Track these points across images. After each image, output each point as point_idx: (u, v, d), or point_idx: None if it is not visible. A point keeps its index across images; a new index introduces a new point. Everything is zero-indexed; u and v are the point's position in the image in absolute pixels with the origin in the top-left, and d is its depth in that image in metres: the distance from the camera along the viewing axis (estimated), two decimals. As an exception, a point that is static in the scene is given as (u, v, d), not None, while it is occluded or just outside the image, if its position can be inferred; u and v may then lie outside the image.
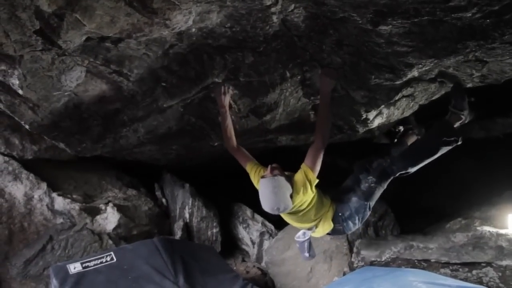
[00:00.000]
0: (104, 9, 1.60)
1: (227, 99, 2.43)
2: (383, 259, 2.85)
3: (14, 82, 1.80)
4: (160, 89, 2.36)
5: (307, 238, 2.32)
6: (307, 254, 2.36)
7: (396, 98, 2.59)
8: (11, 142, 3.17)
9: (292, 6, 1.84)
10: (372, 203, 2.44)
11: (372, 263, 2.88)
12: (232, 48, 2.13)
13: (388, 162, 2.47)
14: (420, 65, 2.05)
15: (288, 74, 2.41)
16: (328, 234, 2.44)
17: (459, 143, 2.35)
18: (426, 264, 2.67)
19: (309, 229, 2.35)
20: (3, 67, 1.74)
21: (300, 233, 2.34)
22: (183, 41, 1.99)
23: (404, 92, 2.57)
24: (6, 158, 3.18)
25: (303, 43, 2.18)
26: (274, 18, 1.93)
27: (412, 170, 2.41)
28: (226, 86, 2.38)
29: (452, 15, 1.54)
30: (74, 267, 2.54)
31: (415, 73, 2.19)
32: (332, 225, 2.34)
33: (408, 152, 2.56)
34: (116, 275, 2.62)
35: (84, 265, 2.58)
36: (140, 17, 1.69)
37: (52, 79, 1.91)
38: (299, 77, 2.47)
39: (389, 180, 2.48)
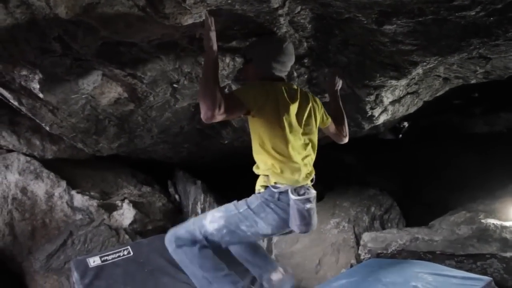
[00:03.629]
0: (118, 15, 1.62)
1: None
2: (389, 251, 2.84)
3: (35, 86, 1.83)
4: (172, 91, 2.38)
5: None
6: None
7: (401, 95, 2.57)
8: (32, 143, 3.23)
9: (299, 8, 1.84)
10: None
11: (378, 255, 2.87)
12: (241, 49, 2.14)
13: None
14: (425, 63, 2.03)
15: (295, 74, 2.40)
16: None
17: None
18: (431, 256, 2.65)
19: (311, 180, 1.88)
20: (24, 72, 1.76)
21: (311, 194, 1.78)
22: (194, 44, 2.00)
23: (409, 89, 2.56)
24: (28, 158, 3.24)
25: (309, 43, 2.18)
26: (282, 19, 1.92)
27: None
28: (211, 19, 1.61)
29: (456, 14, 1.52)
30: (94, 261, 2.58)
31: (419, 70, 2.18)
32: None
33: None
34: (133, 268, 2.66)
35: (103, 258, 2.62)
36: (153, 22, 1.70)
37: (70, 83, 1.94)
38: (305, 76, 2.46)
39: None
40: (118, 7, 1.56)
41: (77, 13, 1.52)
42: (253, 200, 1.79)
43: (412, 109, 3.02)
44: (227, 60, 2.23)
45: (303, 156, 1.80)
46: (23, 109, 2.07)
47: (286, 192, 1.72)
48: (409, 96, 2.72)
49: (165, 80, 2.23)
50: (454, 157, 4.75)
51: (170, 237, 1.85)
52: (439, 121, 5.59)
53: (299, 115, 1.77)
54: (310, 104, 1.85)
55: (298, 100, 1.78)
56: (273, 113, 1.67)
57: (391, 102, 2.68)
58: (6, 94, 1.95)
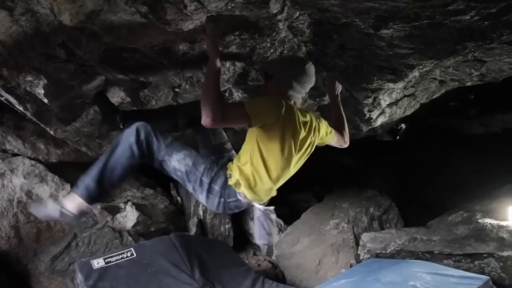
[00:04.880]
0: (121, 22, 1.62)
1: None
2: (388, 251, 2.83)
3: (40, 91, 1.84)
4: (174, 95, 2.38)
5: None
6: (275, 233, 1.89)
7: (398, 97, 2.57)
8: (37, 147, 3.23)
9: (297, 13, 1.85)
10: None
11: (377, 255, 2.87)
12: (241, 54, 2.15)
13: None
14: (421, 66, 2.03)
15: (294, 78, 2.41)
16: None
17: None
18: (429, 256, 2.65)
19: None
20: (29, 78, 1.77)
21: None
22: (195, 49, 2.01)
23: (406, 92, 2.56)
24: (33, 162, 3.24)
25: (308, 47, 2.18)
26: (280, 25, 1.93)
27: None
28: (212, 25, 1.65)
29: (451, 18, 1.53)
30: (98, 263, 2.58)
31: (416, 73, 2.18)
32: None
33: None
34: (136, 270, 2.65)
35: (106, 260, 2.62)
36: (155, 28, 1.71)
37: (74, 88, 1.94)
38: (304, 80, 2.47)
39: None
40: (121, 14, 1.57)
41: (81, 20, 1.53)
42: (217, 183, 1.73)
43: (409, 111, 3.02)
44: (228, 64, 2.23)
45: (282, 180, 1.80)
46: (28, 114, 2.08)
47: (240, 200, 1.74)
48: (406, 98, 2.73)
49: (167, 85, 2.24)
50: (451, 158, 4.75)
51: (139, 129, 1.68)
52: (436, 122, 5.60)
53: (301, 144, 1.75)
54: (315, 134, 1.84)
55: (307, 130, 1.76)
56: (280, 136, 1.63)
57: (389, 105, 2.68)
58: (12, 99, 1.95)
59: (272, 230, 1.85)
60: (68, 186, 3.29)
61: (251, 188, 1.70)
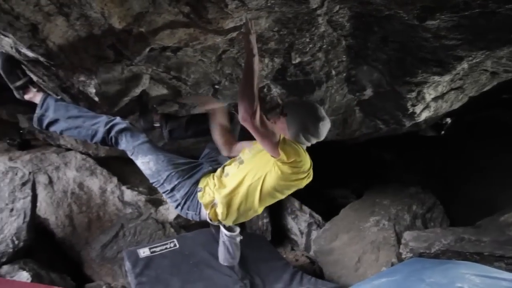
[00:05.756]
0: (165, 22, 1.69)
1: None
2: (432, 251, 2.72)
3: (91, 91, 1.96)
4: (214, 91, 2.44)
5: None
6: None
7: (444, 91, 2.45)
8: (87, 142, 3.45)
9: (337, 7, 1.82)
10: None
11: (421, 255, 2.77)
12: (279, 50, 2.15)
13: None
14: (470, 58, 1.92)
15: (333, 72, 2.37)
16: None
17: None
18: (478, 257, 2.51)
19: None
20: (82, 78, 1.90)
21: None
22: (234, 46, 2.04)
23: (453, 85, 2.43)
24: (84, 156, 3.48)
25: (348, 41, 2.14)
26: (320, 19, 1.91)
27: None
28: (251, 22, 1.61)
29: (506, 6, 1.43)
30: (144, 252, 2.73)
31: (464, 65, 2.07)
32: None
33: None
34: (179, 260, 2.77)
35: (151, 250, 2.76)
36: (196, 27, 1.76)
37: (122, 86, 2.05)
38: (344, 74, 2.43)
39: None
40: (165, 14, 1.63)
41: (129, 22, 1.61)
42: (179, 192, 1.81)
43: (456, 105, 2.86)
44: (266, 61, 2.25)
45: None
46: (81, 111, 2.23)
47: (199, 216, 1.83)
48: (453, 92, 2.58)
49: (207, 82, 2.29)
50: (502, 155, 4.43)
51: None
52: (486, 116, 5.24)
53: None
54: None
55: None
56: (291, 181, 1.68)
57: (434, 99, 2.56)
58: (67, 98, 2.10)
59: (236, 253, 1.95)
60: (115, 179, 3.49)
61: (231, 217, 1.77)
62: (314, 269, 3.57)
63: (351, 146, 4.16)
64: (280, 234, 4.05)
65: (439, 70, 2.11)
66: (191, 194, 1.81)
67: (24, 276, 2.53)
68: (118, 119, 1.86)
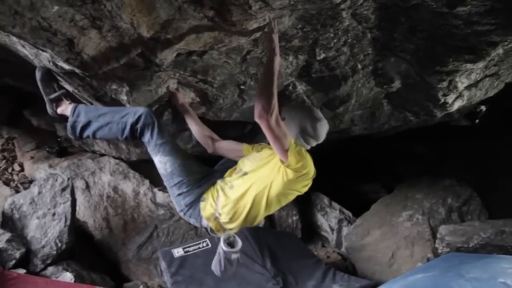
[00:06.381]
0: (190, 27, 1.73)
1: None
2: (470, 245, 2.64)
3: (123, 98, 2.04)
4: (240, 92, 2.47)
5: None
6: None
7: (478, 78, 2.36)
8: (119, 147, 3.60)
9: (361, 0, 1.79)
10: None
11: (458, 249, 2.68)
12: (303, 47, 2.15)
13: None
14: (506, 42, 1.84)
15: (359, 66, 2.34)
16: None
17: None
18: (521, 251, 2.41)
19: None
20: (114, 86, 1.98)
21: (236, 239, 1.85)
22: (259, 46, 2.06)
23: (487, 72, 2.34)
24: (117, 161, 3.62)
25: (373, 33, 2.11)
26: (344, 13, 1.89)
27: None
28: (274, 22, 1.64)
29: (543, -14, 1.36)
30: (178, 252, 2.81)
31: (499, 51, 1.98)
32: None
33: None
34: (212, 259, 2.83)
35: (185, 250, 2.84)
36: (221, 30, 1.79)
37: (151, 92, 2.12)
38: (370, 67, 2.39)
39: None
40: (191, 20, 1.68)
41: (156, 30, 1.67)
42: (185, 199, 1.85)
43: (491, 93, 2.74)
44: (290, 58, 2.25)
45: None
46: (114, 118, 2.32)
47: (199, 223, 1.85)
48: (487, 79, 2.48)
49: (233, 83, 2.33)
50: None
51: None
52: (524, 102, 4.97)
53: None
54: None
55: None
56: (295, 188, 1.69)
57: (467, 87, 2.47)
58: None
59: (227, 268, 1.88)
60: (147, 182, 3.61)
61: (237, 223, 1.76)
62: (346, 266, 3.55)
63: (380, 139, 4.08)
64: (310, 231, 4.04)
65: (471, 57, 2.03)
66: (194, 203, 1.85)
67: (67, 276, 2.67)
68: (146, 111, 1.88)
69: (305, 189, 1.77)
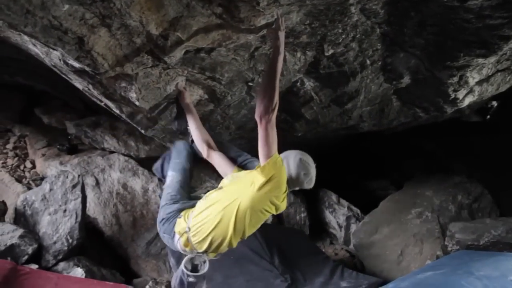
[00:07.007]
0: (199, 24, 1.74)
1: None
2: (481, 243, 2.61)
3: (132, 95, 2.06)
4: (248, 89, 2.47)
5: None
6: None
7: (490, 73, 2.32)
8: (128, 144, 3.63)
9: (371, -5, 1.78)
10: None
11: (468, 247, 2.66)
12: (312, 43, 2.14)
13: None
14: (518, 36, 1.81)
15: (368, 62, 2.33)
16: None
17: None
18: (534, 249, 2.38)
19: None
20: (123, 84, 2.00)
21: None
22: (266, 43, 2.06)
23: (499, 66, 2.30)
24: (126, 158, 3.65)
25: (382, 29, 2.09)
26: (352, 9, 1.88)
27: None
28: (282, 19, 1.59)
29: (558, -22, 1.33)
30: (186, 248, 2.82)
31: (512, 45, 1.95)
32: None
33: None
34: (221, 255, 2.84)
35: (194, 246, 2.85)
36: (229, 27, 1.79)
37: (160, 89, 2.14)
38: (379, 63, 2.37)
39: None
40: (199, 17, 1.68)
41: (165, 28, 1.68)
42: (165, 212, 1.89)
43: (503, 88, 2.70)
44: (298, 54, 2.24)
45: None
46: (123, 115, 2.35)
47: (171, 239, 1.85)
48: (499, 73, 2.44)
49: (241, 80, 2.33)
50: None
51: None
52: (537, 98, 4.87)
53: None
54: None
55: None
56: (265, 204, 1.66)
57: (478, 82, 2.43)
58: (110, 104, 2.23)
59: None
60: (156, 179, 3.63)
61: (203, 239, 1.72)
62: (354, 263, 3.53)
63: (388, 136, 4.05)
64: (318, 228, 4.03)
65: (483, 52, 2.00)
66: (172, 217, 1.86)
67: (78, 272, 2.71)
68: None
69: (279, 206, 1.74)
